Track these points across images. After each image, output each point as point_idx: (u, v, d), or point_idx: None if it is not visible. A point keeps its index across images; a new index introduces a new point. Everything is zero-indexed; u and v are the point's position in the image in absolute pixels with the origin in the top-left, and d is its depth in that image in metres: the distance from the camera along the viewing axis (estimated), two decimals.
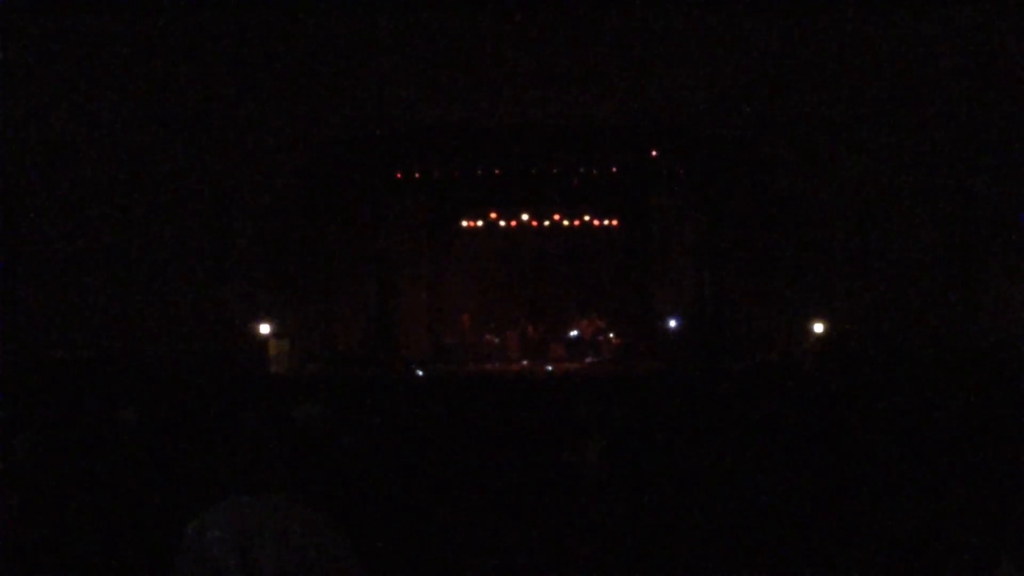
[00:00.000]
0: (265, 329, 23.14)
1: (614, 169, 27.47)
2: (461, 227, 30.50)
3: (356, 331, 27.38)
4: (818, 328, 23.43)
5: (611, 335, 29.18)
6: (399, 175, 27.59)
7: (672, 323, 28.28)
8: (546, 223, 30.20)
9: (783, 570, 5.72)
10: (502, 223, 30.17)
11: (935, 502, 6.18)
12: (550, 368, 25.83)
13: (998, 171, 20.33)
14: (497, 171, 27.22)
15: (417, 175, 27.55)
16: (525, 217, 29.91)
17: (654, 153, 26.83)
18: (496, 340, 29.36)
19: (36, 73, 17.93)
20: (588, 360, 28.08)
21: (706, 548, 6.00)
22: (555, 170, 27.26)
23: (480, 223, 30.31)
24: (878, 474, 7.03)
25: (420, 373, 23.72)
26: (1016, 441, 7.83)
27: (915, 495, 6.39)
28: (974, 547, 5.29)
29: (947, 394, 11.92)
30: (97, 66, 18.58)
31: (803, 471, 7.16)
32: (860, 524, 6.01)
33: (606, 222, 30.66)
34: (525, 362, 27.88)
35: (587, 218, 30.36)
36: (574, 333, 29.22)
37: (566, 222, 30.24)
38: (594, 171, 27.48)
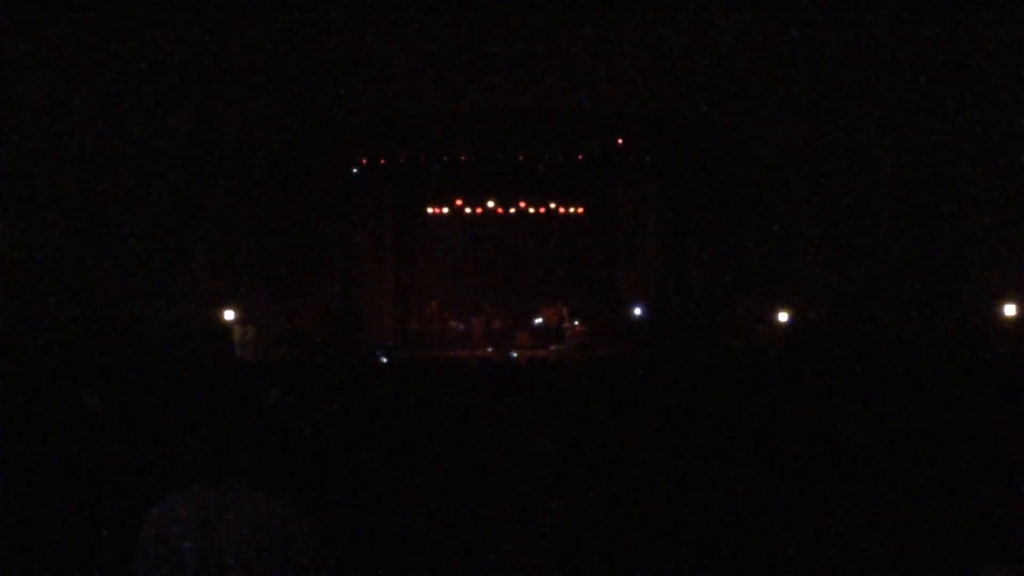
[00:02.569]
0: (230, 315, 23.05)
1: (580, 157, 27.49)
2: (427, 214, 30.48)
3: (321, 317, 27.30)
4: (783, 316, 23.53)
5: (576, 322, 29.25)
6: (364, 161, 27.54)
7: (637, 311, 28.33)
8: (512, 210, 30.22)
9: (751, 563, 5.74)
10: (468, 210, 30.18)
11: (907, 494, 6.20)
12: (515, 355, 25.85)
13: (963, 162, 20.48)
14: (463, 158, 27.22)
15: (383, 161, 27.50)
16: (491, 204, 29.93)
17: (620, 141, 26.86)
18: (461, 327, 29.38)
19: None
20: (553, 347, 28.13)
21: (671, 537, 6.02)
22: (521, 157, 27.24)
23: (446, 210, 30.32)
24: (845, 463, 7.06)
25: (384, 360, 23.69)
26: (990, 433, 7.88)
27: (885, 487, 6.41)
28: (955, 544, 5.32)
29: (914, 383, 11.99)
30: (58, 58, 18.48)
31: (769, 460, 7.18)
32: (826, 515, 6.02)
33: (572, 210, 30.71)
34: (490, 349, 27.90)
35: (553, 205, 30.40)
36: (539, 320, 29.26)
37: (532, 209, 30.27)
38: (560, 159, 27.49)
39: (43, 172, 20.17)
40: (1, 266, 19.54)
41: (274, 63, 20.48)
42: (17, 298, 19.69)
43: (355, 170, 27.85)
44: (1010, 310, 19.60)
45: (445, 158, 27.23)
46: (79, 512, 6.19)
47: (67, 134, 20.00)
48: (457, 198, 30.01)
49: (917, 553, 5.40)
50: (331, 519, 5.19)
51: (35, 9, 16.73)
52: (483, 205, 30.00)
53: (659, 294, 28.56)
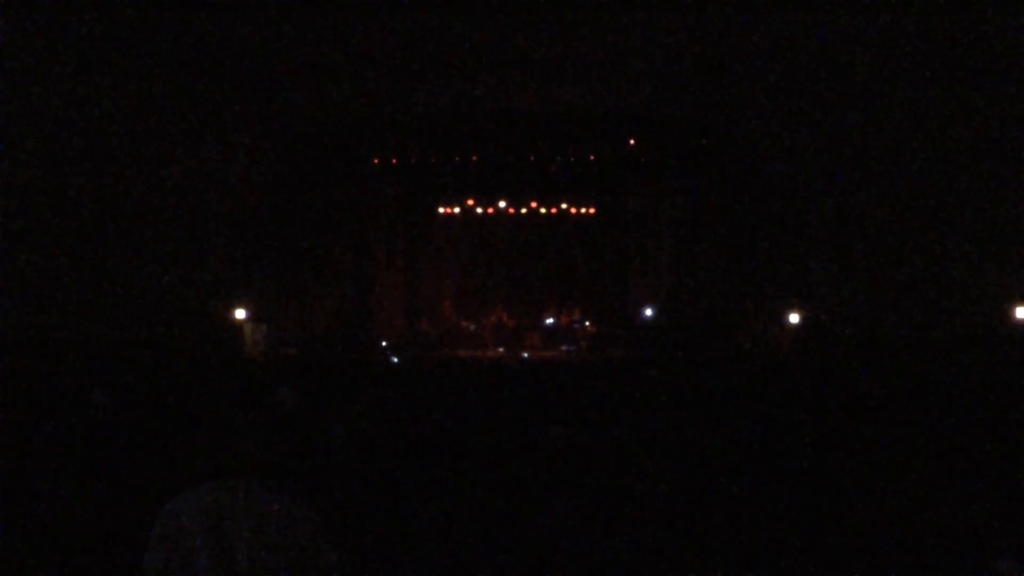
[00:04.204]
0: (241, 314, 23.10)
1: (592, 157, 27.52)
2: (438, 213, 30.51)
3: (332, 316, 27.35)
4: (794, 318, 23.52)
5: (587, 323, 29.22)
6: (376, 161, 27.59)
7: (648, 311, 28.32)
8: (523, 210, 30.22)
9: (761, 561, 5.74)
10: (479, 210, 30.20)
11: (919, 493, 6.20)
12: (526, 355, 25.83)
13: (972, 164, 20.45)
14: (474, 158, 27.25)
15: (394, 161, 27.55)
16: (502, 204, 29.93)
17: (632, 141, 26.88)
18: (472, 327, 29.37)
19: (10, 61, 17.86)
20: (564, 348, 28.10)
21: (679, 536, 6.03)
22: (533, 157, 27.27)
23: (457, 210, 30.33)
24: (856, 463, 7.06)
25: (395, 360, 23.70)
26: (1000, 433, 7.87)
27: (897, 486, 6.41)
28: (968, 541, 5.32)
29: (924, 384, 11.98)
30: (70, 54, 18.52)
31: (779, 460, 7.19)
32: (838, 517, 6.02)
33: (583, 210, 30.70)
34: (501, 349, 27.87)
35: (564, 206, 30.39)
36: (550, 321, 29.23)
37: (543, 210, 30.26)
38: (572, 159, 27.52)
39: (54, 170, 20.22)
40: (11, 264, 19.58)
41: (287, 63, 20.52)
42: (27, 297, 19.73)
43: (366, 170, 27.91)
44: (1020, 312, 19.56)
45: (457, 158, 27.27)
46: (90, 511, 6.21)
47: (78, 130, 20.04)
48: (468, 198, 30.04)
49: (930, 550, 5.40)
50: (342, 518, 5.20)
51: (44, 8, 16.77)
52: (495, 205, 30.01)
53: (670, 295, 28.56)
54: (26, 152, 19.66)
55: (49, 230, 20.29)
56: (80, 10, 16.86)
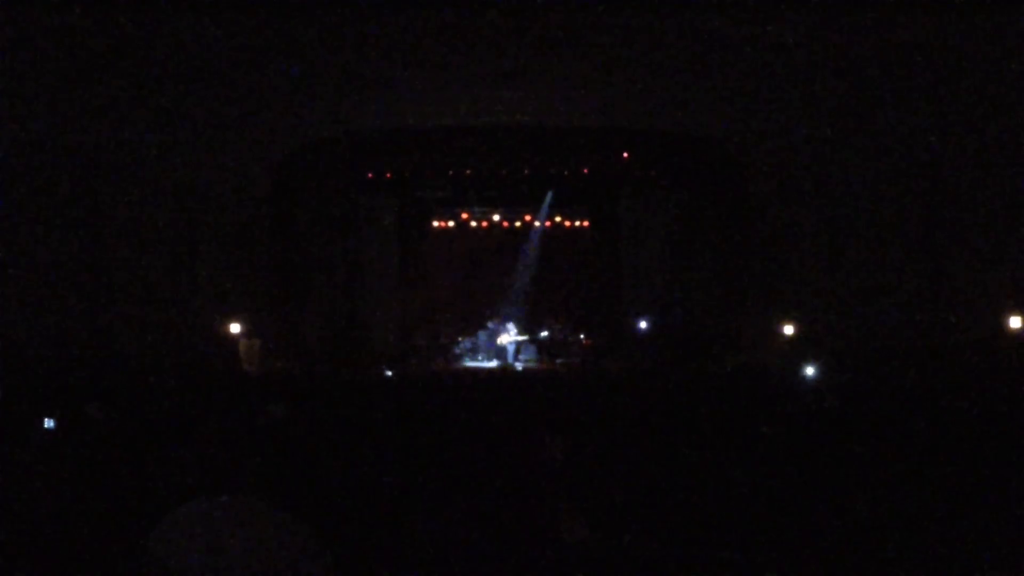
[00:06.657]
0: (236, 328, 23.08)
1: (585, 170, 27.54)
2: (432, 227, 30.50)
3: (326, 331, 27.31)
4: (788, 330, 23.51)
5: (581, 336, 29.20)
6: (370, 175, 27.58)
7: (642, 324, 28.31)
8: (517, 224, 30.24)
9: (753, 571, 5.72)
10: (473, 223, 30.21)
11: (908, 504, 6.19)
12: (520, 367, 25.82)
13: (967, 174, 20.49)
14: (468, 172, 27.27)
15: (388, 175, 27.55)
16: (496, 218, 29.96)
17: (625, 155, 26.90)
18: (467, 340, 29.33)
19: (4, 70, 17.84)
20: (558, 361, 28.08)
21: (676, 546, 6.01)
22: (526, 171, 27.29)
23: (451, 223, 30.34)
24: (848, 475, 7.05)
25: (389, 373, 23.68)
26: (993, 444, 7.87)
27: (887, 497, 6.40)
28: (956, 554, 5.31)
29: (918, 395, 11.99)
30: (65, 65, 18.51)
31: (772, 470, 7.18)
32: (837, 527, 6.01)
33: (577, 223, 30.72)
34: (496, 362, 27.87)
35: (558, 219, 30.41)
36: (544, 334, 29.20)
37: (537, 223, 30.28)
38: (565, 172, 27.54)
39: (48, 184, 20.20)
40: (6, 278, 19.55)
41: (281, 75, 20.51)
42: (22, 310, 19.70)
43: (360, 184, 27.91)
44: (1015, 322, 19.57)
45: (450, 172, 27.29)
46: (84, 525, 6.18)
47: (72, 144, 20.03)
48: (462, 211, 30.06)
49: (918, 563, 5.40)
50: (337, 532, 5.18)
51: (40, 11, 16.74)
52: (488, 218, 30.03)
53: (664, 308, 28.55)
54: (19, 164, 19.64)
55: (42, 243, 20.26)
56: (69, 9, 16.81)
